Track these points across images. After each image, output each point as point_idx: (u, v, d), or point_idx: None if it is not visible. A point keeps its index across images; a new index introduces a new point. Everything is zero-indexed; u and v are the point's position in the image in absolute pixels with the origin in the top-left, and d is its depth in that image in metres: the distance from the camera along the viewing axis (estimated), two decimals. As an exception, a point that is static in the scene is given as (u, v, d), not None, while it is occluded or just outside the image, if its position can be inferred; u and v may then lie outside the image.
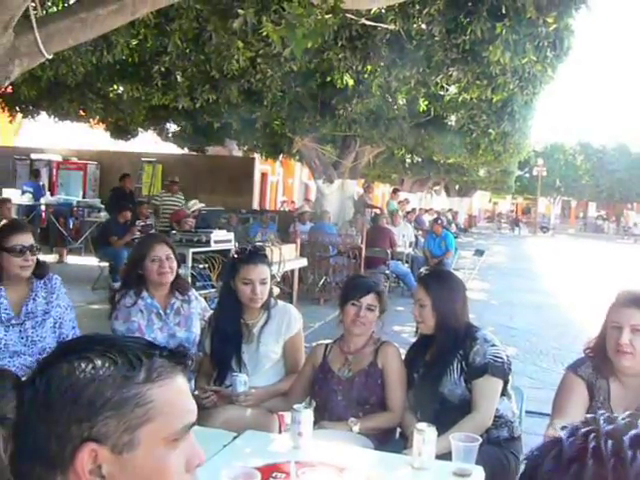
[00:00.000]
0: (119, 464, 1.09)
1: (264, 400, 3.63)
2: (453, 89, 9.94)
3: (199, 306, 4.23)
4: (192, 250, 8.55)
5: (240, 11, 5.64)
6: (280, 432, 3.60)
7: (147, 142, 21.81)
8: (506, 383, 3.36)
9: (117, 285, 7.63)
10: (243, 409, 3.51)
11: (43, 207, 17.36)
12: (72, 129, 17.27)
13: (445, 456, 2.75)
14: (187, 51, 7.91)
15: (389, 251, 13.10)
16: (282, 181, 34.58)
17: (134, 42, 7.88)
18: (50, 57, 4.28)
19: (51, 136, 21.69)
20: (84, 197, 19.83)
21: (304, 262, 11.22)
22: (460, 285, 3.58)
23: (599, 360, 2.92)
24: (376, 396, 3.46)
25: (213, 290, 7.95)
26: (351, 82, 8.92)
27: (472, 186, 42.94)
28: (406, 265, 13.81)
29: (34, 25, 3.97)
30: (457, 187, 43.51)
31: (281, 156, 20.74)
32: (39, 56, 4.17)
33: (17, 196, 16.78)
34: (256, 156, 21.03)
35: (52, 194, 19.18)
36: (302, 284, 11.87)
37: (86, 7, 4.23)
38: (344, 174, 16.07)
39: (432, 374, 3.40)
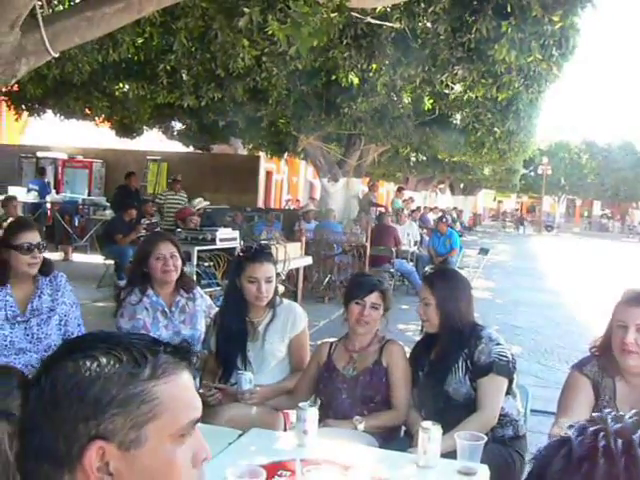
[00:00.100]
0: (126, 461, 1.10)
1: (269, 398, 3.63)
2: (458, 87, 9.93)
3: (204, 304, 4.24)
4: (197, 248, 8.56)
5: (246, 9, 5.64)
6: (285, 430, 3.61)
7: (152, 140, 21.84)
8: (511, 382, 3.36)
9: (122, 283, 7.66)
10: (248, 407, 3.51)
11: (49, 205, 17.40)
12: (78, 127, 17.29)
13: (450, 454, 2.76)
14: (193, 49, 7.91)
15: (394, 249, 13.10)
16: (287, 179, 34.57)
17: (140, 40, 7.88)
18: (56, 55, 4.28)
19: (57, 134, 21.73)
20: (89, 195, 19.86)
21: (309, 260, 11.22)
22: (465, 284, 3.58)
23: (605, 359, 2.91)
24: (381, 394, 3.46)
25: (218, 288, 7.96)
26: (356, 81, 8.92)
27: (477, 184, 42.89)
28: (411, 263, 13.82)
29: (41, 24, 3.98)
30: (462, 185, 43.44)
31: (286, 154, 20.75)
32: (45, 54, 4.17)
33: (23, 194, 16.82)
34: (261, 154, 21.02)
35: (58, 192, 19.21)
36: (307, 282, 11.88)
37: (92, 5, 4.23)
38: (349, 172, 16.06)
39: (437, 372, 3.40)
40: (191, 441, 1.17)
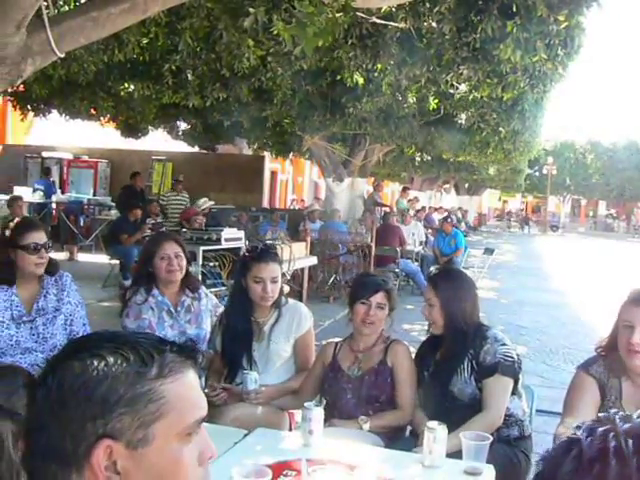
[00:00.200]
0: (134, 459, 1.10)
1: (274, 398, 3.64)
2: (463, 87, 9.92)
3: (210, 303, 4.24)
4: (202, 248, 8.56)
5: (251, 10, 5.64)
6: (290, 430, 3.61)
7: (157, 140, 21.86)
8: (517, 382, 3.36)
9: (127, 283, 7.66)
10: (253, 407, 3.52)
11: (54, 205, 17.44)
12: (83, 127, 17.30)
13: (456, 454, 2.76)
14: (198, 50, 7.91)
15: (399, 249, 13.10)
16: (292, 179, 34.60)
17: (145, 41, 7.89)
18: (62, 56, 4.29)
19: (62, 134, 21.76)
20: (95, 195, 19.91)
21: (314, 260, 11.22)
22: (470, 284, 3.57)
23: (611, 359, 2.91)
24: (386, 394, 3.46)
25: (223, 288, 7.97)
26: (361, 80, 8.91)
27: (482, 184, 42.81)
28: (416, 263, 13.81)
29: (46, 24, 3.99)
30: (467, 185, 43.40)
31: (291, 154, 20.75)
32: (51, 55, 4.18)
33: (28, 194, 16.87)
34: (266, 154, 21.03)
35: (63, 192, 19.28)
36: (312, 282, 11.88)
37: (98, 6, 4.24)
38: (354, 172, 16.06)
39: (442, 373, 3.40)
40: (197, 440, 1.18)
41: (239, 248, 8.84)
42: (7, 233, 3.56)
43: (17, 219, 3.68)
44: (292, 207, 27.51)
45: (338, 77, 9.03)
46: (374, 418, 3.33)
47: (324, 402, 3.50)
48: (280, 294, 3.83)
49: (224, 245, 8.85)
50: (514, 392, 3.35)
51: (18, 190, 16.63)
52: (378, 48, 8.05)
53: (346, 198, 15.91)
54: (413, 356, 3.62)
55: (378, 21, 7.29)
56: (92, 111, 13.31)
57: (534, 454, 3.44)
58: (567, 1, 6.50)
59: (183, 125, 19.27)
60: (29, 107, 13.43)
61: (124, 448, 1.09)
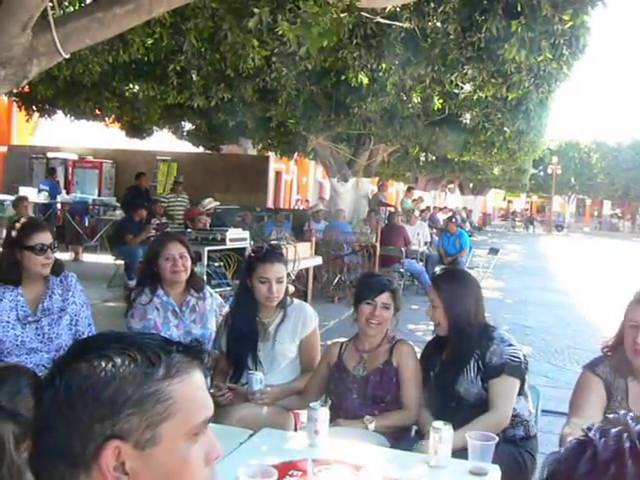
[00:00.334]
0: (142, 460, 1.10)
1: (280, 398, 3.64)
2: (468, 87, 9.92)
3: (215, 303, 4.25)
4: (207, 248, 8.57)
5: (255, 10, 5.64)
6: (295, 430, 3.62)
7: (162, 141, 21.87)
8: (523, 382, 3.36)
9: (132, 283, 7.67)
10: (259, 407, 3.52)
11: (59, 205, 17.49)
12: (88, 128, 17.32)
13: (461, 454, 2.76)
14: (202, 50, 7.91)
15: (403, 249, 13.09)
16: (296, 179, 34.58)
17: (150, 41, 7.89)
18: (67, 56, 4.30)
19: (67, 135, 21.77)
20: (99, 195, 19.93)
21: (319, 260, 11.23)
22: (473, 284, 3.55)
23: (617, 359, 2.90)
24: (391, 394, 3.46)
25: (228, 288, 7.97)
26: (366, 80, 8.90)
27: (486, 184, 42.78)
28: (420, 263, 13.81)
29: (52, 25, 3.99)
30: (471, 185, 43.36)
31: (295, 155, 20.74)
32: (57, 56, 4.19)
33: (33, 194, 16.89)
34: (270, 154, 21.04)
35: (68, 192, 19.30)
36: (317, 282, 11.88)
37: (103, 7, 4.24)
38: (358, 172, 16.05)
39: (448, 373, 3.40)
40: (204, 440, 1.18)
41: (244, 248, 8.84)
42: (13, 234, 3.57)
43: (23, 220, 3.68)
44: (297, 207, 27.50)
45: (343, 77, 9.04)
46: (379, 418, 3.33)
47: (329, 402, 3.50)
48: (285, 294, 3.83)
49: (229, 245, 8.85)
50: (520, 392, 3.35)
51: (23, 190, 16.65)
52: (383, 48, 8.05)
53: (351, 198, 15.90)
54: (418, 356, 3.62)
55: (383, 21, 7.29)
56: (97, 112, 13.33)
57: (539, 454, 3.44)
58: (572, 0, 6.48)
59: (188, 125, 19.26)
60: (34, 108, 13.45)
61: (132, 449, 1.10)
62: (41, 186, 17.87)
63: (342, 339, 3.77)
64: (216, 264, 8.57)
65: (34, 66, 4.12)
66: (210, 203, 12.05)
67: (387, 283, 3.58)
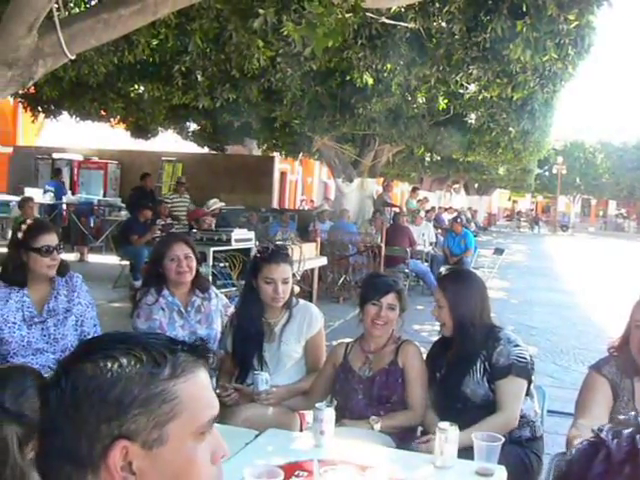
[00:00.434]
0: (149, 459, 1.11)
1: (285, 399, 3.64)
2: (473, 87, 9.90)
3: (220, 303, 4.25)
4: (213, 249, 8.59)
5: (260, 10, 5.65)
6: (301, 430, 3.61)
7: (167, 141, 21.91)
8: (530, 383, 3.35)
9: (138, 284, 7.67)
10: (264, 407, 3.52)
11: (64, 206, 17.52)
12: (93, 129, 17.36)
13: (467, 455, 2.75)
14: (207, 51, 7.92)
15: (408, 250, 13.09)
16: (301, 180, 34.61)
17: (155, 42, 7.90)
18: (73, 57, 4.30)
19: (72, 136, 21.83)
20: (105, 196, 19.97)
21: (324, 261, 11.23)
22: (479, 285, 3.55)
23: (623, 359, 2.90)
24: (397, 395, 3.46)
25: (234, 289, 7.98)
26: (371, 81, 8.90)
27: (491, 184, 42.75)
28: (425, 264, 13.80)
29: (57, 26, 4.00)
30: (476, 185, 43.31)
31: (300, 155, 20.76)
32: (62, 57, 4.19)
33: (39, 195, 16.94)
34: (275, 155, 21.06)
35: (73, 193, 19.34)
36: (322, 283, 11.89)
37: (108, 8, 4.25)
38: (363, 173, 16.06)
39: (454, 374, 3.39)
40: (210, 439, 1.18)
41: (249, 249, 8.87)
42: (19, 235, 3.57)
43: (28, 221, 3.69)
44: (302, 208, 27.52)
45: (347, 77, 9.03)
46: (385, 418, 3.33)
47: (335, 403, 3.49)
48: (291, 295, 3.83)
49: (234, 246, 8.87)
50: (527, 393, 3.35)
51: (29, 191, 16.69)
52: (388, 48, 8.04)
53: (356, 198, 15.91)
54: (424, 356, 3.61)
55: (388, 21, 7.28)
56: (102, 112, 13.36)
57: (545, 455, 3.43)
58: (577, 0, 6.47)
59: (193, 126, 19.30)
60: (40, 109, 13.49)
61: (139, 448, 1.10)
62: (47, 187, 17.92)
63: (347, 340, 3.77)
64: (221, 264, 8.60)
65: (40, 67, 4.12)
66: (215, 204, 12.06)
67: (393, 284, 3.58)
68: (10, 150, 22.52)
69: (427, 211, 19.86)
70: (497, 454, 2.71)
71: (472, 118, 13.02)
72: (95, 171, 21.07)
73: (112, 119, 15.02)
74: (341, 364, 3.61)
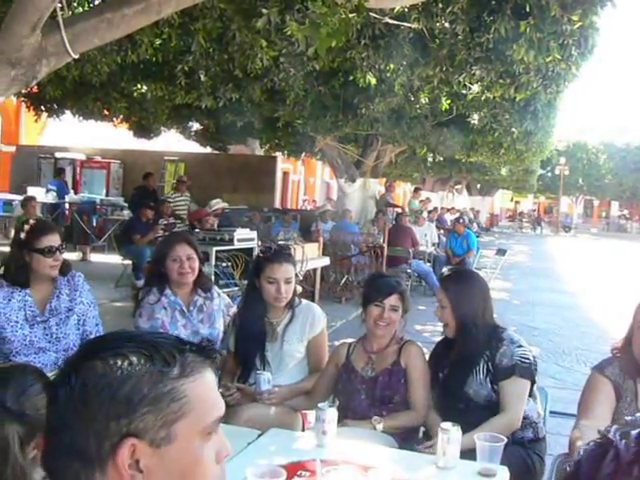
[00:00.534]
0: (157, 457, 1.11)
1: (287, 398, 3.64)
2: (476, 88, 9.89)
3: (222, 303, 4.24)
4: (215, 248, 8.59)
5: (264, 10, 5.65)
6: (303, 430, 3.61)
7: (170, 141, 21.92)
8: (533, 384, 3.35)
9: (140, 283, 7.68)
10: (267, 407, 3.52)
11: (67, 205, 17.54)
12: (96, 128, 17.38)
13: (470, 456, 2.75)
14: (211, 50, 7.92)
15: (411, 250, 13.09)
16: (304, 180, 34.62)
17: (158, 42, 7.90)
18: (76, 57, 4.31)
19: (75, 135, 21.85)
20: (107, 195, 19.99)
21: (326, 261, 11.23)
22: (481, 285, 3.55)
23: (626, 360, 2.89)
24: (399, 395, 3.46)
25: (236, 288, 7.98)
26: (373, 81, 8.88)
27: (494, 185, 42.74)
28: (428, 264, 13.79)
29: (61, 25, 4.01)
30: (479, 186, 43.31)
31: (303, 155, 20.75)
32: (66, 56, 4.20)
33: (42, 194, 16.95)
34: (278, 155, 21.06)
35: (76, 192, 19.36)
36: (324, 283, 11.88)
37: (112, 7, 4.26)
38: (366, 173, 16.06)
39: (457, 374, 3.39)
40: (215, 438, 1.19)
41: (252, 248, 8.87)
42: (22, 236, 3.58)
43: (31, 221, 3.69)
44: (304, 208, 27.51)
45: (350, 77, 9.03)
46: (387, 419, 3.33)
47: (337, 403, 3.50)
48: (293, 295, 3.83)
49: (237, 245, 8.87)
50: (530, 394, 3.34)
51: (31, 190, 16.71)
52: (391, 48, 8.03)
53: (358, 199, 15.91)
54: (426, 357, 3.61)
55: (391, 21, 7.28)
56: (105, 112, 13.37)
57: (548, 456, 3.43)
58: (581, 1, 6.46)
59: (195, 126, 19.32)
60: (43, 108, 13.49)
61: (147, 447, 1.10)
62: (49, 186, 17.94)
63: (350, 340, 3.77)
64: (224, 264, 8.60)
65: (43, 66, 4.13)
66: (218, 204, 12.08)
67: (396, 285, 3.58)
68: (13, 149, 22.55)
69: (429, 211, 19.87)
70: (499, 455, 2.71)
71: (475, 119, 13.00)
72: (98, 170, 21.08)
73: (115, 118, 15.02)
74: (344, 364, 3.61)
